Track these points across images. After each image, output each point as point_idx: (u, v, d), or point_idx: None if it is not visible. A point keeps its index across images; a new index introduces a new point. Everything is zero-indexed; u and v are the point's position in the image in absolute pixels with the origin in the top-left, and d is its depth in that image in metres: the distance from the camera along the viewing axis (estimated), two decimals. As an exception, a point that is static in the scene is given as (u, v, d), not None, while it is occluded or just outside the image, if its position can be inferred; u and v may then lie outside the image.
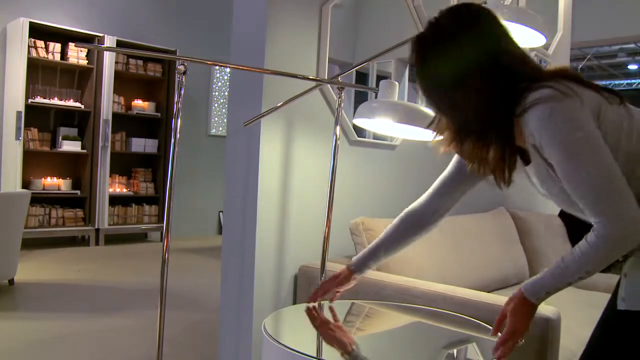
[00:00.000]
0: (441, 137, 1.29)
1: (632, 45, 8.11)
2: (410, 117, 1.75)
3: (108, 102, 5.95)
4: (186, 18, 6.97)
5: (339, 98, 1.95)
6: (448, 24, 1.19)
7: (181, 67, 1.52)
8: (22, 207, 3.94)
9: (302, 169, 2.22)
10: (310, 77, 2.17)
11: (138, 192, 6.48)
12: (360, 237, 2.10)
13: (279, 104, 1.95)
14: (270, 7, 2.08)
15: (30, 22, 5.41)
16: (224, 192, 2.27)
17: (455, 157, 1.43)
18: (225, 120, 7.25)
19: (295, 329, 1.58)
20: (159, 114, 6.55)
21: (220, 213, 7.36)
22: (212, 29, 7.06)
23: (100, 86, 5.92)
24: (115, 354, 2.83)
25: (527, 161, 1.23)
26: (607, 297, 1.29)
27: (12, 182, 5.44)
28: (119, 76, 6.11)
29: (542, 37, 1.97)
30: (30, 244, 5.34)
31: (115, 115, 6.08)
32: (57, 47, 5.74)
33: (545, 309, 1.58)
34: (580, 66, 8.88)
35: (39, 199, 5.66)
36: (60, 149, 5.86)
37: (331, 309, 1.64)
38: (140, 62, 6.43)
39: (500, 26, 1.19)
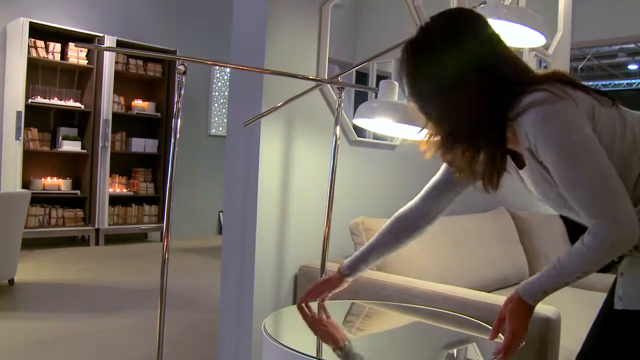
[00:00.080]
0: (427, 140, 1.29)
1: (632, 45, 8.10)
2: (411, 117, 1.75)
3: (108, 102, 5.95)
4: (186, 18, 6.97)
5: (339, 98, 1.95)
6: (439, 29, 1.19)
7: (181, 67, 1.52)
8: (22, 207, 3.94)
9: (302, 169, 2.22)
10: (310, 77, 2.17)
11: (138, 192, 6.48)
12: (360, 237, 2.10)
13: (279, 104, 1.95)
14: (270, 7, 2.08)
15: (30, 22, 5.41)
16: (224, 192, 2.27)
17: None
18: (225, 120, 7.25)
19: (295, 329, 1.57)
20: (159, 114, 6.55)
21: (220, 213, 7.36)
22: (212, 29, 7.06)
23: (100, 86, 5.92)
24: (115, 354, 2.83)
25: (521, 165, 1.23)
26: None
27: (12, 182, 5.44)
28: (119, 76, 6.11)
29: (542, 37, 1.97)
30: (30, 244, 5.34)
31: (115, 115, 6.08)
32: (57, 47, 5.74)
33: (545, 309, 1.58)
34: (580, 66, 8.88)
35: (39, 199, 5.66)
36: (60, 149, 5.86)
37: (323, 307, 1.64)
38: (140, 62, 6.43)
39: (492, 30, 1.20)
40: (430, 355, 1.51)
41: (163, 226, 1.97)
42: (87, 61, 5.95)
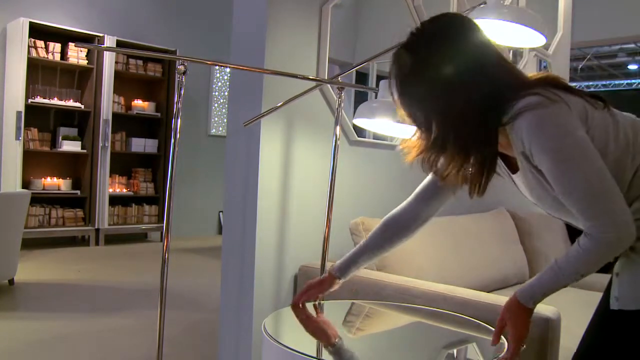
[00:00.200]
0: (411, 143, 1.29)
1: (632, 45, 8.11)
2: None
3: (108, 102, 5.95)
4: (186, 18, 6.98)
5: (339, 98, 1.95)
6: (430, 34, 1.19)
7: (181, 67, 1.52)
8: (22, 207, 3.94)
9: (302, 169, 2.22)
10: (310, 77, 2.17)
11: (138, 192, 6.48)
12: (360, 237, 2.10)
13: (279, 104, 1.95)
14: (270, 7, 2.08)
15: (30, 22, 5.41)
16: (224, 192, 2.27)
17: None
18: (225, 120, 7.25)
19: (295, 329, 1.57)
20: (159, 114, 6.55)
21: (220, 213, 7.36)
22: (212, 29, 7.06)
23: (100, 86, 5.92)
24: (115, 354, 2.83)
25: (514, 170, 1.23)
26: (606, 297, 1.29)
27: (12, 182, 5.44)
28: (119, 76, 6.11)
29: (542, 37, 1.97)
30: (30, 244, 5.34)
31: (115, 115, 6.08)
32: (57, 47, 5.74)
33: (545, 309, 1.58)
34: (580, 66, 8.88)
35: (39, 199, 5.66)
36: (60, 149, 5.86)
37: (316, 307, 1.65)
38: (140, 62, 6.43)
39: (484, 36, 1.20)
40: (430, 355, 1.51)
41: (163, 226, 1.97)
42: (87, 61, 5.95)
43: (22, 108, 5.41)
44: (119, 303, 3.79)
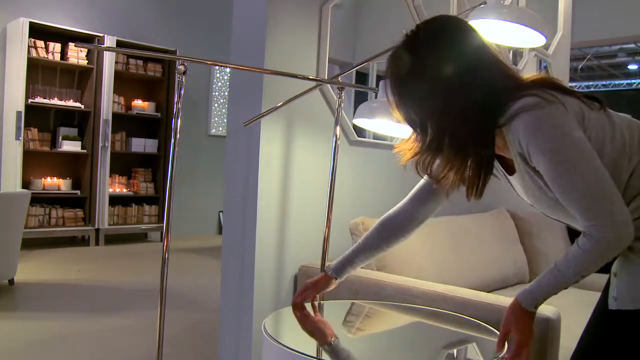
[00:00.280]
0: (406, 144, 1.29)
1: (632, 45, 8.10)
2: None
3: (108, 102, 5.95)
4: (186, 18, 6.97)
5: (339, 98, 1.95)
6: (426, 36, 1.19)
7: (181, 67, 1.52)
8: (22, 207, 3.94)
9: (302, 169, 2.22)
10: (310, 77, 2.17)
11: (138, 192, 6.48)
12: (360, 237, 2.10)
13: (279, 104, 1.95)
14: (270, 7, 2.08)
15: (30, 22, 5.41)
16: (224, 192, 2.27)
17: None
18: (225, 120, 7.25)
19: (295, 329, 1.57)
20: (159, 114, 6.55)
21: (220, 213, 7.36)
22: (212, 29, 7.06)
23: (100, 86, 5.92)
24: (115, 354, 2.83)
25: (511, 172, 1.23)
26: (606, 297, 1.29)
27: (12, 182, 5.44)
28: (119, 76, 6.11)
29: (542, 37, 1.97)
30: (30, 244, 5.34)
31: (115, 115, 6.08)
32: (57, 47, 5.74)
33: (545, 309, 1.57)
34: (580, 66, 8.88)
35: (39, 199, 5.66)
36: (60, 149, 5.86)
37: (314, 306, 1.65)
38: (140, 62, 6.43)
39: (480, 37, 1.20)
40: (430, 355, 1.51)
41: (163, 226, 1.97)
42: (87, 61, 5.95)
43: (22, 108, 5.41)
44: (119, 303, 3.79)
